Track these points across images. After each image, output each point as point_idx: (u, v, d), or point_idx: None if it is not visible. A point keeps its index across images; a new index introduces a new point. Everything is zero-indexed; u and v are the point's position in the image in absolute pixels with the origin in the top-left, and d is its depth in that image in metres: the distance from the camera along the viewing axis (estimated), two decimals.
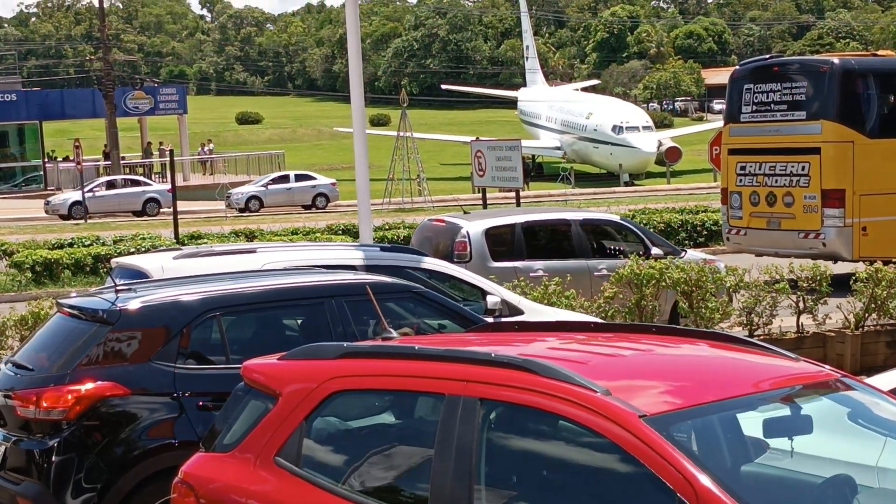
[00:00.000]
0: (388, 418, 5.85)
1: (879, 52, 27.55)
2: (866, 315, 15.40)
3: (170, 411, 8.34)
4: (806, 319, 15.39)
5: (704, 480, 4.50)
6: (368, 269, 11.18)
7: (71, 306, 8.96)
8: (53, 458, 8.10)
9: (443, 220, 18.42)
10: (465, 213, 19.30)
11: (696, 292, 14.80)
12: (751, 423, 5.05)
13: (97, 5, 54.03)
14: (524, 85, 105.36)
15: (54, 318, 9.14)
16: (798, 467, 5.20)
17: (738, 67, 24.97)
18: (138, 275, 11.48)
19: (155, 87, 66.11)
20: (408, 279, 10.38)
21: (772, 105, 23.01)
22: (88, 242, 28.36)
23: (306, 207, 52.90)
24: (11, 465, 8.42)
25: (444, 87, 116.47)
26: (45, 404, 8.17)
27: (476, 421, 5.12)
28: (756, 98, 23.26)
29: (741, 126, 23.66)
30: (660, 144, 72.17)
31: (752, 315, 15.05)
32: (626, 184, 67.08)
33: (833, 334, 15.32)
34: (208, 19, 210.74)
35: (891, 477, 5.14)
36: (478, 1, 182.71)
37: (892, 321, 15.55)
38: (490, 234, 17.49)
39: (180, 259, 11.56)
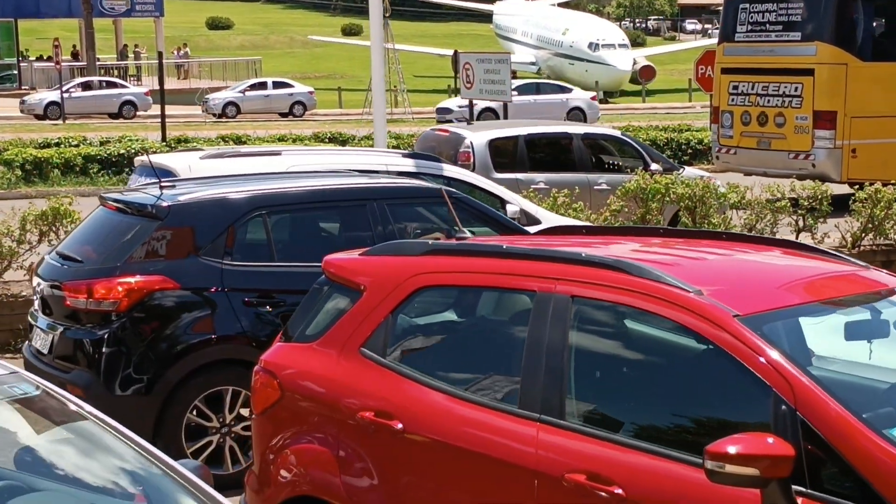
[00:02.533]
0: (475, 314, 6.02)
1: None
2: (863, 234, 15.68)
3: (217, 306, 8.51)
4: (805, 237, 15.64)
5: (800, 376, 4.70)
6: (390, 174, 11.33)
7: (117, 200, 9.09)
8: (104, 349, 8.28)
9: (447, 130, 18.56)
10: (468, 123, 19.41)
11: (700, 208, 15.03)
12: (834, 326, 5.28)
13: None
14: None
15: (97, 211, 9.24)
16: (854, 371, 5.42)
17: None
18: (164, 173, 11.55)
19: None
20: None
21: (767, 25, 23.15)
22: (76, 143, 28.30)
23: (283, 115, 52.76)
24: (60, 353, 8.60)
25: None
26: (96, 295, 8.32)
27: (568, 318, 5.29)
28: (751, 17, 23.39)
29: (735, 45, 23.80)
30: (634, 63, 72.15)
31: (753, 232, 15.28)
32: (601, 101, 67.07)
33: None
34: None
35: None
36: None
37: (887, 241, 15.83)
38: (493, 145, 17.65)
39: (207, 159, 11.68)
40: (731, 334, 4.86)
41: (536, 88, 52.44)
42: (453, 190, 9.99)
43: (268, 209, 8.85)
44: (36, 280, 9.14)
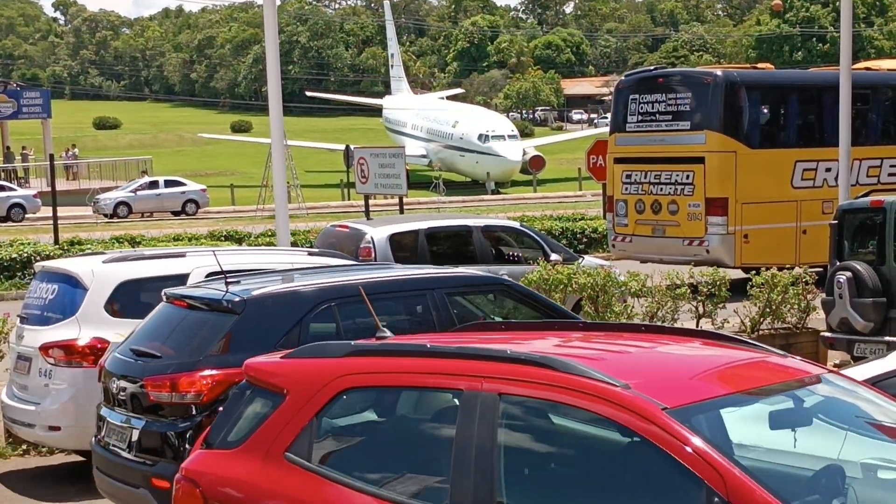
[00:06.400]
0: (402, 414, 5.98)
1: (759, 65, 28.42)
2: (762, 319, 15.93)
3: None
4: (705, 323, 15.84)
5: (730, 467, 4.75)
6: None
7: (188, 297, 9.23)
8: (188, 441, 8.37)
9: (346, 226, 18.55)
10: (368, 218, 19.44)
11: (602, 297, 15.17)
12: (759, 415, 5.33)
13: None
14: (385, 93, 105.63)
15: (161, 308, 9.37)
16: (781, 460, 5.47)
17: (623, 78, 25.52)
18: (66, 278, 11.42)
19: (18, 90, 64.41)
20: None
21: (657, 115, 23.58)
22: None
23: (175, 214, 52.44)
24: (144, 446, 8.67)
25: (308, 94, 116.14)
26: (181, 389, 8.51)
27: (496, 416, 5.29)
28: (641, 108, 23.81)
29: (626, 136, 24.18)
30: (524, 153, 73.07)
31: (655, 319, 15.45)
32: (493, 192, 67.73)
33: None
34: (62, 22, 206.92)
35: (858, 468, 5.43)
36: (339, 8, 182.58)
37: (785, 325, 16.10)
38: (394, 239, 17.65)
39: (110, 263, 11.52)
40: (660, 427, 4.90)
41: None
42: (508, 279, 10.53)
43: (336, 300, 9.02)
44: (106, 375, 9.24)
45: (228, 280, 9.17)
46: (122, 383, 8.96)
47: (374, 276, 9.71)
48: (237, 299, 8.83)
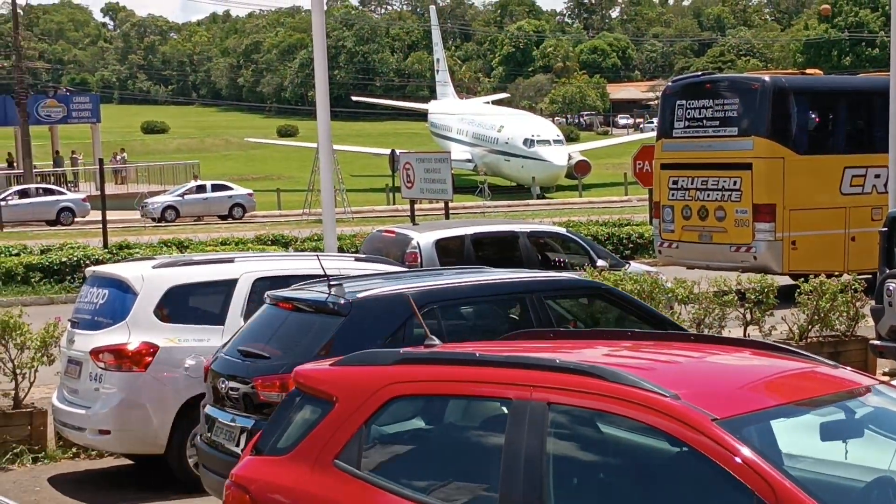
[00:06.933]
0: (450, 423, 6.00)
1: (808, 71, 28.25)
2: (810, 327, 15.83)
3: None
4: (753, 330, 15.76)
5: (780, 478, 4.73)
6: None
7: (293, 299, 9.29)
8: None
9: (393, 231, 18.60)
10: (414, 224, 19.47)
11: (649, 304, 15.11)
12: (809, 426, 5.31)
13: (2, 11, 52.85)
14: (431, 97, 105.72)
15: (265, 310, 9.47)
16: (831, 471, 5.44)
17: (670, 83, 25.46)
18: (117, 283, 11.52)
19: (68, 95, 65.17)
20: None
21: (704, 121, 23.50)
22: (16, 252, 27.96)
23: (223, 218, 52.72)
24: None
25: (354, 98, 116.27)
26: (290, 389, 8.48)
27: (545, 425, 5.30)
28: (688, 114, 23.73)
29: (673, 141, 24.11)
30: (569, 158, 72.94)
31: (702, 326, 15.39)
32: (538, 196, 67.68)
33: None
34: (111, 27, 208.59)
35: None
36: (385, 13, 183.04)
37: (833, 333, 15.99)
38: (440, 245, 17.68)
39: (160, 268, 11.61)
40: (710, 438, 4.89)
41: None
42: (607, 284, 10.60)
43: (439, 303, 9.03)
44: (213, 376, 9.39)
45: (332, 283, 9.20)
46: (232, 384, 9.09)
47: (473, 279, 9.73)
48: (343, 301, 8.87)
